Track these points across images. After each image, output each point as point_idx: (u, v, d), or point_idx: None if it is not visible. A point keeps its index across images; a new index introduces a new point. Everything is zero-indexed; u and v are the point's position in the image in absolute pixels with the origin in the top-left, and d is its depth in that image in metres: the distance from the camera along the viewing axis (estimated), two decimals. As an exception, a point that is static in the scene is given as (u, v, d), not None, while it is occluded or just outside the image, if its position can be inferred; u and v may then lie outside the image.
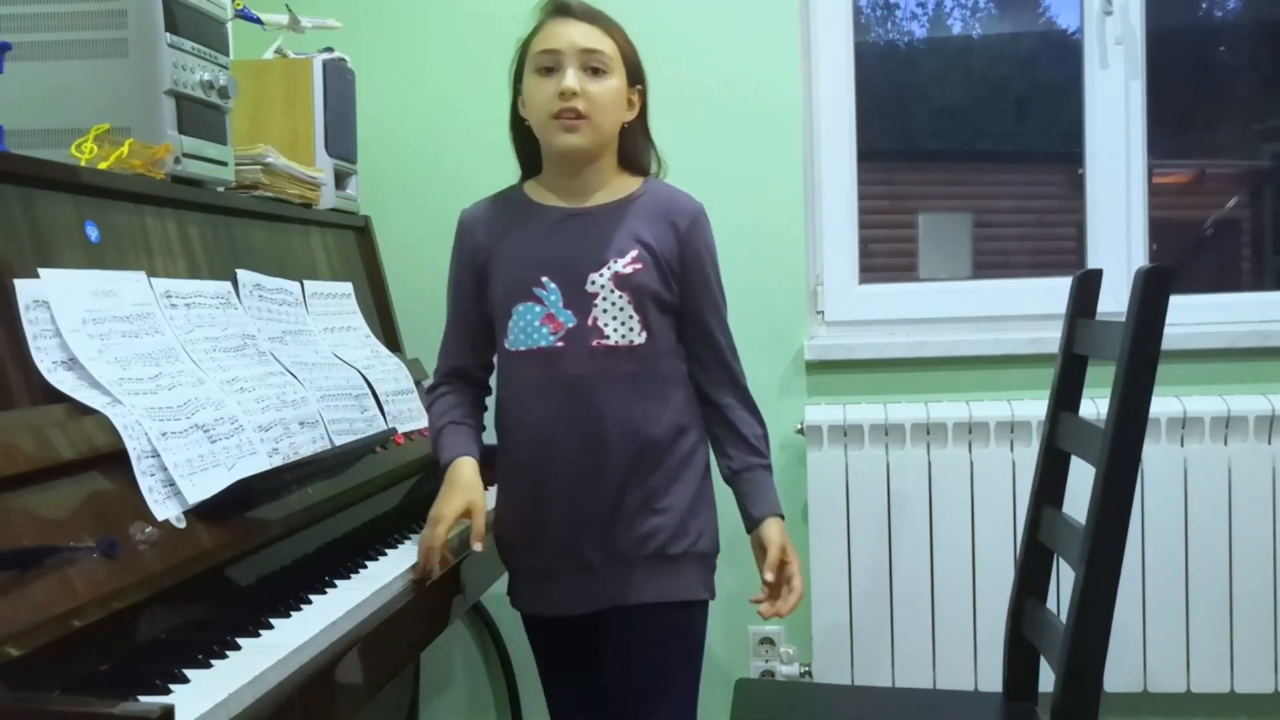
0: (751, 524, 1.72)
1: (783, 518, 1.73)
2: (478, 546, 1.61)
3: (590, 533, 1.66)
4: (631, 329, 1.65)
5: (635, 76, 1.70)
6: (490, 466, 1.77)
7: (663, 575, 1.66)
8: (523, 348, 1.67)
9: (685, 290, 1.70)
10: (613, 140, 1.70)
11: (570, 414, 1.64)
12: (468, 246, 1.75)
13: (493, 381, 1.81)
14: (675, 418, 1.69)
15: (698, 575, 1.70)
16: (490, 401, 1.82)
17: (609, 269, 1.64)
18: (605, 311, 1.64)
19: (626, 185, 1.72)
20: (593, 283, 1.64)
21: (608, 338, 1.64)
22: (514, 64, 1.71)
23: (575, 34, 1.64)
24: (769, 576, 1.67)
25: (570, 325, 1.65)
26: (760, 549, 1.71)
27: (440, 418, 1.76)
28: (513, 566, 1.76)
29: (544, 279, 1.65)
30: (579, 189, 1.70)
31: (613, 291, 1.64)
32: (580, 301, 1.65)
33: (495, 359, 1.78)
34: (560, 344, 1.65)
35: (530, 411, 1.68)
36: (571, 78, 1.61)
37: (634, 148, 1.73)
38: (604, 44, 1.65)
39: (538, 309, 1.66)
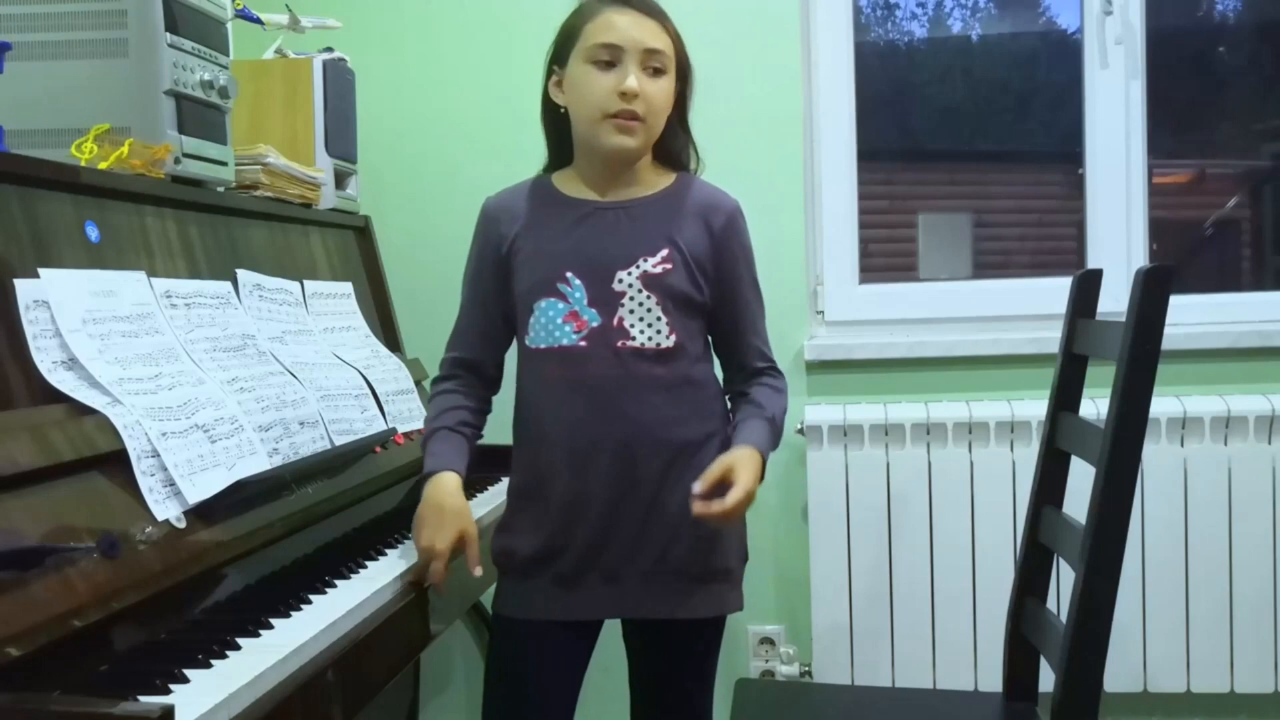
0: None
1: (760, 452, 1.57)
2: (477, 571, 1.58)
3: (617, 542, 1.60)
4: (659, 331, 1.59)
5: (681, 72, 1.63)
6: (487, 469, 1.74)
7: (690, 591, 1.62)
8: (543, 345, 1.61)
9: (718, 290, 1.64)
10: (654, 139, 1.64)
11: (595, 417, 1.58)
12: (490, 236, 1.67)
13: (507, 381, 1.74)
14: (704, 424, 1.63)
15: (724, 590, 1.65)
16: (506, 401, 1.74)
17: (638, 267, 1.59)
18: (632, 312, 1.59)
19: (660, 180, 1.66)
20: (620, 281, 1.59)
21: (634, 339, 1.59)
22: (555, 44, 1.63)
23: (638, 31, 1.56)
24: (696, 487, 1.50)
25: (594, 324, 1.59)
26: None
27: (436, 418, 1.69)
28: (522, 572, 1.65)
29: (569, 274, 1.59)
30: (613, 184, 1.64)
31: (640, 291, 1.59)
32: (606, 300, 1.59)
33: (516, 357, 1.69)
34: (583, 343, 1.59)
35: (553, 413, 1.62)
36: (634, 79, 1.55)
37: (673, 144, 1.66)
38: (663, 42, 1.58)
39: (560, 305, 1.60)
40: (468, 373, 1.73)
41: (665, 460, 1.60)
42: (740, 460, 1.54)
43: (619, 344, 1.59)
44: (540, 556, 1.63)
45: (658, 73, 1.58)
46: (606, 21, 1.58)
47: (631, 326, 1.59)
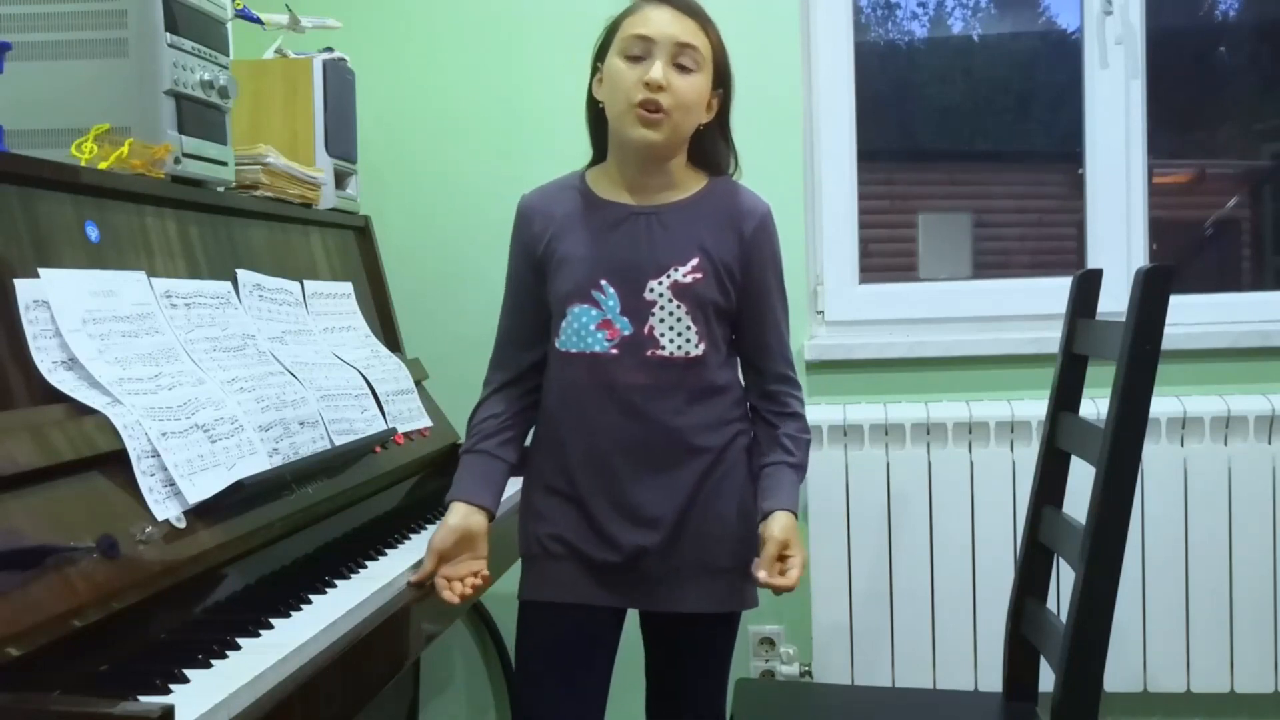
0: (761, 517, 1.62)
1: (795, 514, 1.63)
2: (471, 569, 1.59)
3: (637, 538, 1.61)
4: (689, 340, 1.60)
5: (721, 79, 1.64)
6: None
7: (710, 586, 1.64)
8: (574, 350, 1.62)
9: (744, 294, 1.64)
10: (686, 141, 1.63)
11: (623, 423, 1.60)
12: (525, 238, 1.68)
13: None
14: (729, 427, 1.65)
15: (743, 586, 1.65)
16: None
17: (669, 277, 1.59)
18: (662, 321, 1.59)
19: (693, 184, 1.66)
20: (651, 290, 1.59)
21: (663, 348, 1.59)
22: (599, 41, 1.64)
23: (672, 25, 1.57)
24: (760, 575, 1.54)
25: (626, 333, 1.59)
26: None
27: (466, 442, 1.71)
28: (550, 556, 1.66)
29: (603, 283, 1.60)
30: (644, 186, 1.64)
31: (670, 301, 1.59)
32: (638, 309, 1.60)
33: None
34: (615, 351, 1.60)
35: (577, 415, 1.63)
36: (659, 69, 1.55)
37: (712, 150, 1.66)
38: (699, 40, 1.58)
39: (594, 313, 1.60)
40: (508, 390, 1.72)
41: (691, 464, 1.61)
42: (790, 533, 1.58)
43: (648, 353, 1.60)
44: (567, 543, 1.64)
45: (687, 69, 1.58)
46: (642, 15, 1.59)
47: (661, 336, 1.60)
